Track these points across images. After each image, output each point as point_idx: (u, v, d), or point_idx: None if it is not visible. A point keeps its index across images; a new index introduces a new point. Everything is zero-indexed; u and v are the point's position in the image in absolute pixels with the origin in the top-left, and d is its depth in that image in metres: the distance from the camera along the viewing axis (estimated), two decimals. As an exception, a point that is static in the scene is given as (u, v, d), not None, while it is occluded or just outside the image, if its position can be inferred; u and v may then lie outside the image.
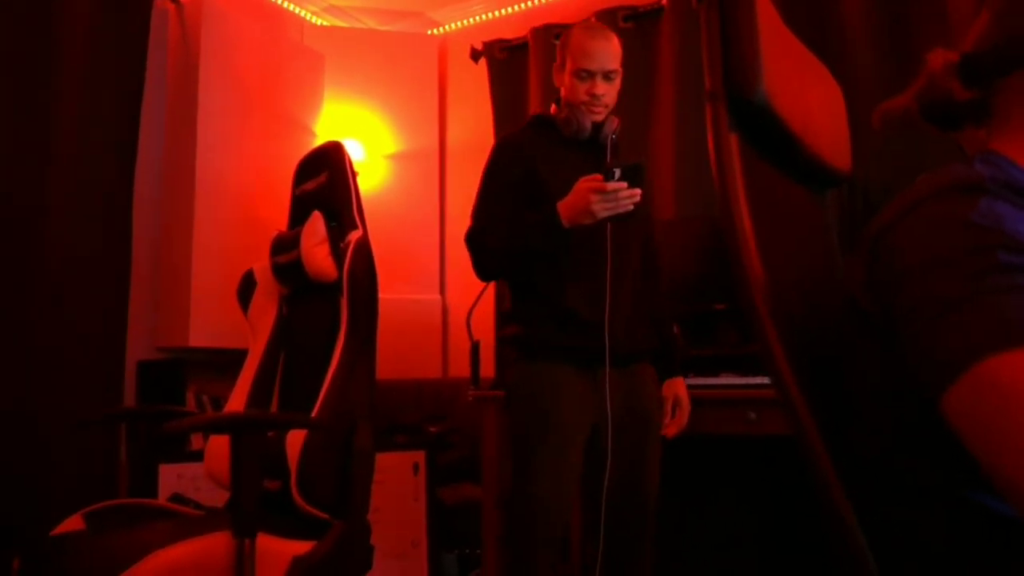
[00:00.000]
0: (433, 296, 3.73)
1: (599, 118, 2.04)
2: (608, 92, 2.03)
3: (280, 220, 2.37)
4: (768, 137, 0.98)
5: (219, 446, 1.91)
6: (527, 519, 1.93)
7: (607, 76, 2.02)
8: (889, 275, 0.82)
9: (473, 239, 2.03)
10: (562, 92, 2.09)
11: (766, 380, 2.29)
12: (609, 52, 2.03)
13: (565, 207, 1.85)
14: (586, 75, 2.01)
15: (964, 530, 0.81)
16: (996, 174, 0.80)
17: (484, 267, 2.02)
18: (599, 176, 1.80)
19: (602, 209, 1.81)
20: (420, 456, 2.86)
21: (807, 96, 1.06)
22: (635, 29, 3.25)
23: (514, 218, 1.96)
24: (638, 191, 1.80)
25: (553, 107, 2.13)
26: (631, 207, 1.82)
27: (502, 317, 2.09)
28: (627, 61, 3.18)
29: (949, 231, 0.78)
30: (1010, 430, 0.68)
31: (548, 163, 2.03)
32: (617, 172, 1.78)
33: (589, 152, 2.06)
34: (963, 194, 0.79)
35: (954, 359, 0.72)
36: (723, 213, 0.91)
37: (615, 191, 1.79)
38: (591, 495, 2.02)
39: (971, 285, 0.74)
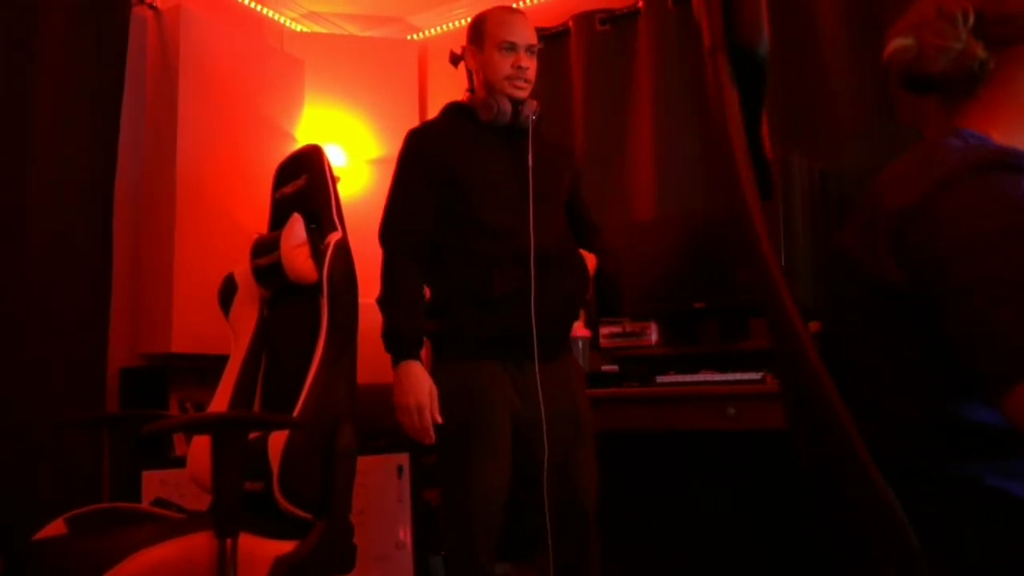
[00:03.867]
0: (416, 300, 3.73)
1: (523, 94, 2.01)
2: (531, 67, 2.02)
3: (261, 224, 2.38)
4: (748, 100, 0.92)
5: (201, 449, 1.92)
6: (466, 518, 1.90)
7: (530, 51, 2.02)
8: (930, 255, 0.78)
9: (388, 238, 2.01)
10: (478, 77, 2.06)
11: (745, 376, 2.33)
12: (530, 27, 2.04)
13: (403, 374, 1.91)
14: (509, 48, 2.00)
15: (992, 519, 0.79)
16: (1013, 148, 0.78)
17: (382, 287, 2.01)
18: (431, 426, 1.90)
19: (408, 420, 1.92)
20: (404, 458, 2.87)
21: None
22: (612, 32, 3.28)
23: (413, 301, 1.97)
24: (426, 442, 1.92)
25: (467, 95, 2.10)
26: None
27: (426, 312, 2.04)
28: (605, 63, 3.26)
29: (997, 210, 0.74)
30: None
31: (464, 152, 2.00)
32: None
33: (508, 138, 2.03)
34: (999, 172, 0.77)
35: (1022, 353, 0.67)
36: (729, 167, 0.86)
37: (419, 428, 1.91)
38: (527, 495, 1.98)
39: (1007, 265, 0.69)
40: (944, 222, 0.77)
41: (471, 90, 2.09)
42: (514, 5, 3.67)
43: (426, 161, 2.01)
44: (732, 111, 0.86)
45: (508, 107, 1.99)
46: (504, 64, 1.99)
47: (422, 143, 2.05)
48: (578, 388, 2.07)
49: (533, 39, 2.03)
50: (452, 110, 2.12)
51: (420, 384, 1.89)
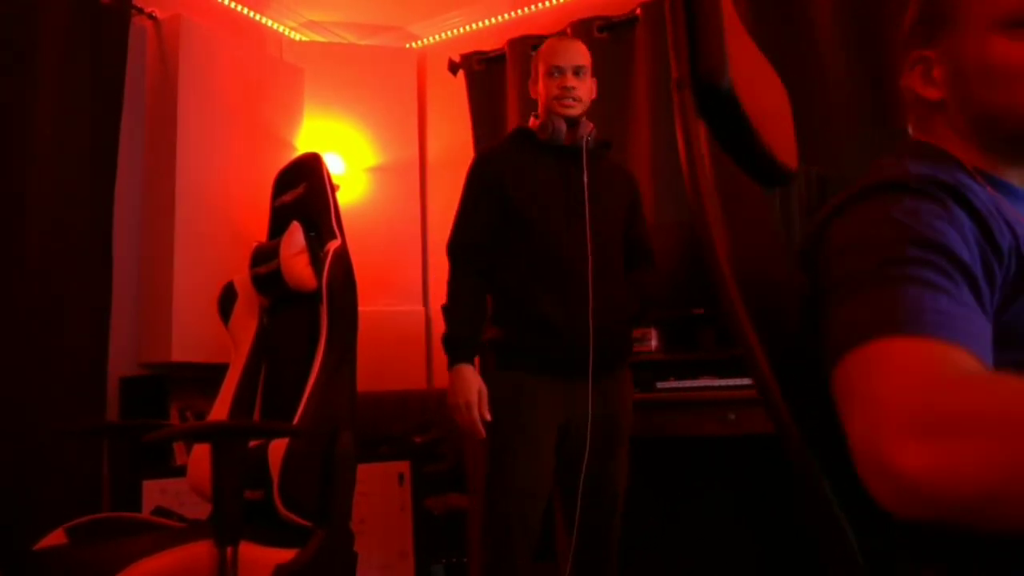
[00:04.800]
0: (417, 307, 3.74)
1: (573, 112, 2.12)
2: (579, 86, 2.13)
3: (260, 232, 2.38)
4: (728, 129, 0.99)
5: (202, 458, 1.92)
6: (505, 517, 1.98)
7: (577, 71, 2.13)
8: (817, 270, 0.86)
9: (452, 252, 2.14)
10: (540, 104, 2.18)
11: (744, 381, 2.34)
12: (576, 50, 2.15)
13: (460, 378, 2.00)
14: (557, 72, 2.12)
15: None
16: (924, 171, 0.84)
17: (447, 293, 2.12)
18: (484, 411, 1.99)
19: (460, 417, 1.99)
20: (405, 466, 2.87)
21: (760, 93, 1.09)
22: (610, 39, 3.29)
23: (470, 310, 2.08)
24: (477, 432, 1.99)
25: (532, 119, 2.20)
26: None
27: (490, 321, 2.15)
28: (603, 70, 3.25)
29: (871, 224, 0.82)
30: (881, 409, 0.67)
31: (522, 173, 2.11)
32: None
33: (566, 160, 2.12)
34: (889, 192, 0.84)
35: (847, 337, 0.74)
36: (693, 201, 0.90)
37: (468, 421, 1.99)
38: (561, 498, 2.10)
39: (877, 272, 0.77)
40: (829, 239, 0.85)
41: (535, 115, 2.20)
42: (512, 13, 3.70)
43: (487, 182, 2.13)
44: (697, 145, 0.91)
45: (563, 126, 2.11)
46: (553, 87, 2.12)
47: (485, 165, 2.17)
48: (624, 400, 2.14)
49: (579, 60, 2.14)
50: (516, 134, 2.23)
51: (469, 384, 1.99)
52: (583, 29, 3.32)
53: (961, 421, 0.61)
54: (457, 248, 2.13)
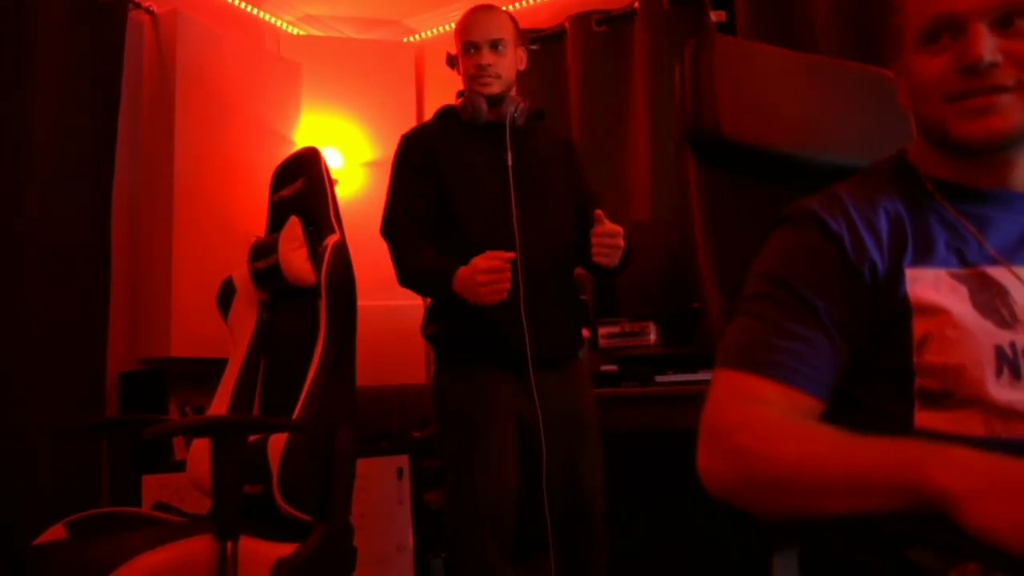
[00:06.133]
0: (416, 302, 3.70)
1: (491, 90, 1.98)
2: (496, 63, 1.98)
3: (259, 228, 2.38)
4: (745, 161, 1.14)
5: (201, 453, 1.92)
6: (475, 520, 1.88)
7: (493, 46, 1.98)
8: None
9: (388, 232, 2.02)
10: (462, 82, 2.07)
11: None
12: (491, 22, 2.00)
13: (460, 277, 1.81)
14: (472, 48, 1.99)
15: None
16: (808, 203, 0.97)
17: (397, 275, 2.00)
18: (501, 254, 1.76)
19: (489, 292, 1.76)
20: (404, 460, 2.87)
21: (791, 114, 1.20)
22: (609, 32, 3.29)
23: (420, 264, 1.93)
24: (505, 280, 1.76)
25: (458, 100, 2.10)
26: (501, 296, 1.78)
27: (426, 313, 2.07)
28: (601, 64, 3.27)
29: (758, 256, 0.99)
30: (704, 424, 0.87)
31: (448, 154, 2.00)
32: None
33: (494, 139, 2.00)
34: (777, 227, 0.99)
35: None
36: (690, 248, 1.13)
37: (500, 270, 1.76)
38: (534, 498, 1.96)
39: (740, 304, 0.95)
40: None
41: (462, 94, 2.09)
42: (510, 7, 3.68)
43: (416, 164, 2.03)
44: (694, 195, 1.12)
45: (483, 104, 1.99)
46: (469, 65, 2.00)
47: (412, 146, 2.07)
48: (583, 391, 2.05)
49: (495, 33, 1.99)
50: (443, 113, 2.13)
51: (469, 274, 1.79)
52: (581, 23, 3.32)
53: (722, 433, 0.84)
54: (392, 226, 2.00)
